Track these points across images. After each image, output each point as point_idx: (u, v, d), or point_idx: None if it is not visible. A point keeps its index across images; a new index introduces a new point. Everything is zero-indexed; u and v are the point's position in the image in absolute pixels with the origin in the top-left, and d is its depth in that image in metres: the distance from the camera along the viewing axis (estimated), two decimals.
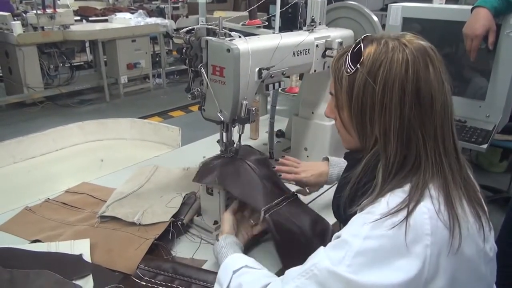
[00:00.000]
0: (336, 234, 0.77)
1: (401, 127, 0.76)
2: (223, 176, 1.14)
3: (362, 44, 0.81)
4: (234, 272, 0.88)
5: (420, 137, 0.76)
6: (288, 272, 0.80)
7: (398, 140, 0.76)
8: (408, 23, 1.91)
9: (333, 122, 1.10)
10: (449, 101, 0.78)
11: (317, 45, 1.35)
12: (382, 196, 0.75)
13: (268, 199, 1.13)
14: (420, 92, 0.75)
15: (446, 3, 2.40)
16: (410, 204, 0.71)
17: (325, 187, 1.34)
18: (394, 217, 0.70)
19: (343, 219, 0.92)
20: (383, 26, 1.73)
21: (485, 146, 1.65)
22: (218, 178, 1.13)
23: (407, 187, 0.74)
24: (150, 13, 6.64)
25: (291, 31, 1.42)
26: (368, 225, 0.71)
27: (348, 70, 0.81)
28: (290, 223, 1.10)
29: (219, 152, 1.25)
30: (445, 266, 0.70)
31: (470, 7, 1.68)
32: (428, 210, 0.71)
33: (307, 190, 1.29)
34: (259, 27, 1.73)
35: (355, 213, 0.79)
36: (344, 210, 0.87)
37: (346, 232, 0.75)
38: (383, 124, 0.77)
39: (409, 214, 0.70)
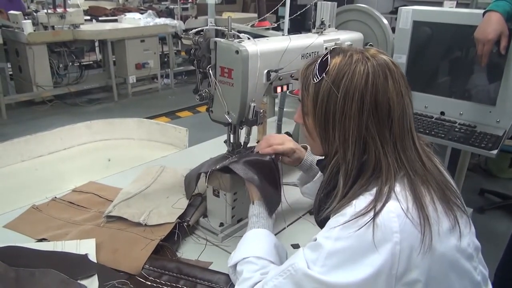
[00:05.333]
0: (314, 237, 0.81)
1: (359, 134, 0.81)
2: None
3: (329, 55, 0.86)
4: (244, 258, 0.94)
5: (379, 144, 0.81)
6: (270, 271, 0.86)
7: (355, 147, 0.82)
8: (418, 27, 1.89)
9: None
10: (408, 112, 0.83)
11: (326, 48, 1.34)
12: (351, 200, 0.80)
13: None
14: (378, 103, 0.80)
15: (456, 7, 2.39)
16: (376, 205, 0.75)
17: None
18: (362, 218, 0.74)
19: (318, 223, 0.99)
20: (393, 29, 1.72)
21: (495, 151, 1.63)
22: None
23: (374, 190, 0.79)
24: (159, 14, 6.67)
25: (300, 33, 1.41)
26: (339, 227, 0.76)
27: (315, 79, 0.86)
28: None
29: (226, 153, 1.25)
30: (418, 263, 0.74)
31: (481, 11, 1.66)
32: (395, 209, 0.75)
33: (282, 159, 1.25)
34: (268, 29, 1.72)
35: (326, 218, 0.84)
36: (316, 215, 0.96)
37: (320, 234, 0.80)
38: (343, 131, 0.82)
39: (376, 214, 0.74)
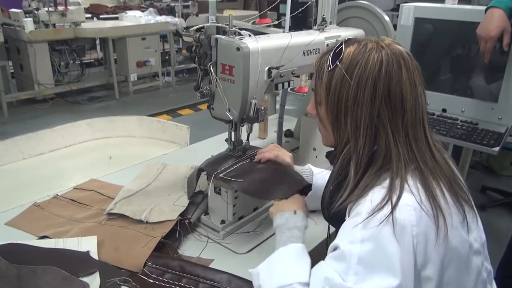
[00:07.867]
0: (332, 244, 0.79)
1: (370, 122, 0.81)
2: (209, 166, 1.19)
3: (344, 45, 0.86)
4: (289, 285, 0.83)
5: (390, 133, 0.80)
6: None
7: (367, 135, 0.81)
8: (420, 23, 1.88)
9: None
10: (421, 102, 0.83)
11: (327, 45, 1.33)
12: (362, 196, 0.79)
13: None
14: (391, 91, 0.79)
15: (458, 3, 2.37)
16: (392, 198, 0.75)
17: None
18: (380, 213, 0.73)
19: (327, 218, 0.97)
20: (395, 26, 1.71)
21: (497, 149, 1.63)
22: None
23: (385, 183, 0.78)
24: (160, 11, 6.66)
25: (301, 30, 1.41)
26: (358, 227, 0.74)
27: (329, 67, 0.86)
28: (245, 171, 1.15)
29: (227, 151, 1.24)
30: (434, 255, 0.74)
31: (483, 7, 1.65)
32: (411, 202, 0.74)
33: None
34: (269, 26, 1.72)
35: (337, 213, 0.83)
36: (327, 209, 0.91)
37: (341, 241, 0.77)
38: (355, 119, 0.82)
39: (393, 208, 0.73)
